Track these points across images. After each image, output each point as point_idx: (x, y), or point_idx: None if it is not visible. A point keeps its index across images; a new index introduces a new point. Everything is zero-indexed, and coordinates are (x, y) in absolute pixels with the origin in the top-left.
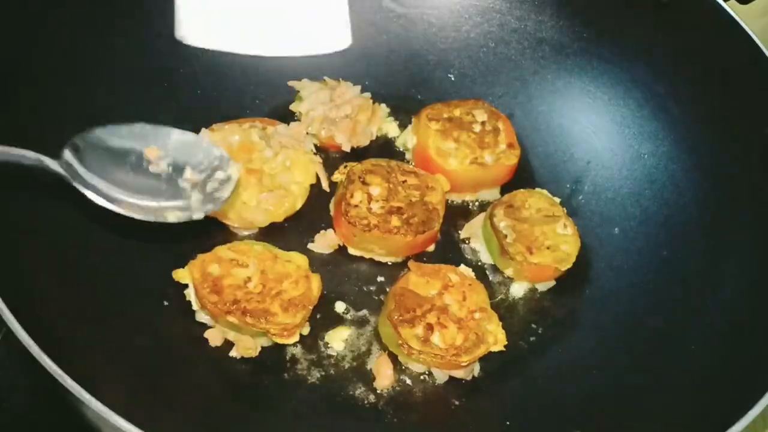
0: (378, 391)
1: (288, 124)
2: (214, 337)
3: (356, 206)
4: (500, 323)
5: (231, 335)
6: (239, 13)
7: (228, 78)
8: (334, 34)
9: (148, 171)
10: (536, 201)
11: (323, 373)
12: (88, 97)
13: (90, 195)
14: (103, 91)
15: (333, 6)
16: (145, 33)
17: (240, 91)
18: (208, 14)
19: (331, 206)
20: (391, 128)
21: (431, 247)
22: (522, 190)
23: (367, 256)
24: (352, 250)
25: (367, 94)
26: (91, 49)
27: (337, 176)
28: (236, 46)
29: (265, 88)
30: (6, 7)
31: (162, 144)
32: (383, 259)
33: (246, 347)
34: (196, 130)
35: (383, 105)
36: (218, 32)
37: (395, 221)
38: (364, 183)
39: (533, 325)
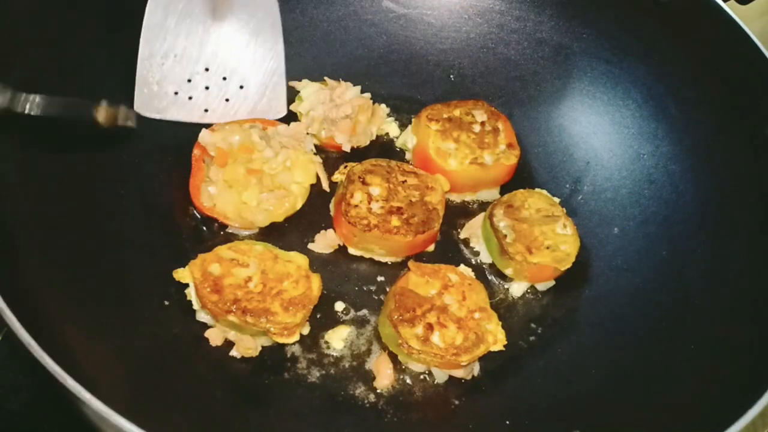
0: (378, 391)
1: (288, 124)
2: (214, 337)
3: (356, 206)
4: (500, 323)
5: (231, 335)
6: (185, 88)
7: None
8: (272, 105)
9: None
10: (536, 201)
11: (323, 373)
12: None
13: None
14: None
15: (272, 80)
16: None
17: None
18: (160, 92)
19: (331, 206)
20: (391, 128)
21: (431, 247)
22: (521, 190)
23: (367, 256)
24: (352, 250)
25: (367, 95)
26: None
27: (337, 176)
28: (184, 116)
29: None
30: None
31: None
32: (383, 259)
33: (246, 347)
34: (198, 128)
35: (383, 105)
36: (167, 105)
37: (395, 221)
38: (364, 183)
39: (533, 325)
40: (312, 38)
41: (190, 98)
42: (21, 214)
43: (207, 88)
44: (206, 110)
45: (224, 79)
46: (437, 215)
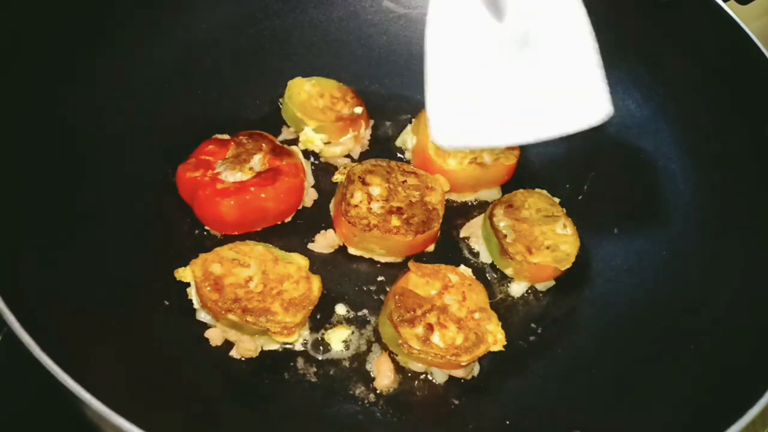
0: (378, 391)
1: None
2: (214, 337)
3: (356, 206)
4: (500, 323)
5: (231, 335)
6: (481, 107)
7: (227, 79)
8: (587, 108)
9: None
10: (536, 201)
11: (323, 373)
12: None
13: None
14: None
15: (584, 78)
16: (150, 34)
17: (240, 91)
18: (457, 118)
19: (331, 206)
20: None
21: (431, 247)
22: (522, 190)
23: (367, 256)
24: (352, 250)
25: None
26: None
27: (338, 176)
28: (487, 139)
29: (265, 89)
30: None
31: None
32: (383, 259)
33: (246, 348)
34: (194, 129)
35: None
36: (465, 131)
37: (395, 221)
38: (364, 183)
39: (533, 325)
40: (312, 38)
41: (489, 117)
42: (21, 215)
43: (505, 103)
44: (509, 128)
45: (523, 88)
46: (437, 215)
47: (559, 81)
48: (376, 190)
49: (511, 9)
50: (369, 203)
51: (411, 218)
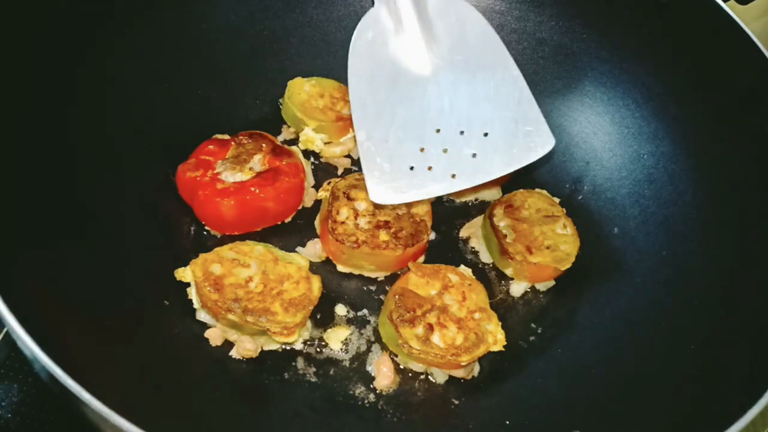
0: (378, 391)
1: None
2: (214, 337)
3: (343, 223)
4: (500, 323)
5: (231, 335)
6: (421, 159)
7: (227, 79)
8: (531, 141)
9: None
10: (536, 201)
11: (323, 373)
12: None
13: None
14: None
15: (520, 111)
16: (150, 34)
17: (240, 91)
18: (393, 173)
19: (317, 224)
20: None
21: (421, 259)
22: (522, 190)
23: (356, 272)
24: (341, 268)
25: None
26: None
27: (321, 194)
28: (431, 190)
29: (265, 89)
30: None
31: None
32: (373, 275)
33: (246, 349)
34: (194, 129)
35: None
36: (406, 184)
37: (383, 236)
38: (349, 198)
39: (533, 325)
40: (312, 38)
41: (431, 168)
42: (22, 215)
43: (445, 151)
44: (453, 175)
45: (462, 133)
46: (425, 227)
47: (497, 121)
48: (362, 205)
49: (435, 60)
50: (356, 219)
51: (399, 232)
